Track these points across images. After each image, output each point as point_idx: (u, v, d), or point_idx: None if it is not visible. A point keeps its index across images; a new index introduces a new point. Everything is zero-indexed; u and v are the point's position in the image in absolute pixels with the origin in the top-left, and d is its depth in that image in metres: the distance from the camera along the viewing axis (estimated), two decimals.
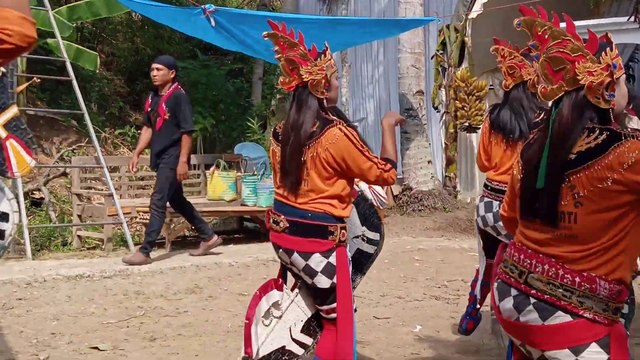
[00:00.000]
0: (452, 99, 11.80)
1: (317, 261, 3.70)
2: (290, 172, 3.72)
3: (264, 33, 3.81)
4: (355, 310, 3.91)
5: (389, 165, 3.74)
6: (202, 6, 9.48)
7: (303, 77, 3.73)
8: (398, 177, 12.77)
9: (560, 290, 2.43)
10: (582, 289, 2.41)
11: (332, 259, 3.71)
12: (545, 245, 2.51)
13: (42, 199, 11.16)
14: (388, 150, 3.85)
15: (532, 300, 2.48)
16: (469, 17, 11.80)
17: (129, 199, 10.96)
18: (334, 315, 3.79)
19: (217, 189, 10.04)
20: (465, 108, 11.49)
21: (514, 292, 2.55)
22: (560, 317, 2.43)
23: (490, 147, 4.75)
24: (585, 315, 2.41)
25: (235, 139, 13.33)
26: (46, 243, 9.70)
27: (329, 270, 3.71)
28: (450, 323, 5.79)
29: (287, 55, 3.75)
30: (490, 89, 11.73)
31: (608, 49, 2.51)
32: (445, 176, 12.42)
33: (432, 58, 12.41)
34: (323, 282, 3.72)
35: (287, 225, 3.73)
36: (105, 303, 6.46)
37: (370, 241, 4.22)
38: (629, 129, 2.60)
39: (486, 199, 4.71)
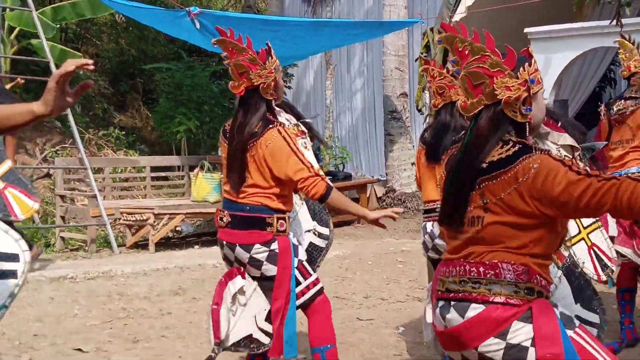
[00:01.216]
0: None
1: (259, 251, 3.83)
2: (234, 169, 3.87)
3: (213, 40, 3.93)
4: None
5: (319, 178, 3.79)
6: (187, 8, 9.48)
7: (253, 80, 3.84)
8: (382, 179, 12.87)
9: (470, 284, 2.53)
10: (488, 276, 2.50)
11: (274, 246, 3.85)
12: (458, 251, 2.61)
13: None
14: (340, 200, 3.92)
15: (453, 302, 2.58)
16: (453, 19, 11.82)
17: (112, 200, 10.94)
18: (302, 299, 3.93)
19: (201, 191, 10.04)
20: None
21: (440, 303, 2.65)
22: (475, 309, 2.51)
23: (418, 165, 4.78)
24: (496, 300, 2.49)
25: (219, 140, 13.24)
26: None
27: (273, 258, 3.84)
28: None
29: (236, 60, 3.85)
30: None
31: (527, 64, 2.58)
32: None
33: (416, 60, 12.41)
34: (271, 269, 3.85)
35: (230, 219, 3.88)
36: (89, 305, 6.44)
37: (321, 235, 4.35)
38: (558, 146, 2.70)
39: (423, 224, 4.75)
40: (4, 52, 11.38)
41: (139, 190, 11.90)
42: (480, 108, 2.59)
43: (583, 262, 3.86)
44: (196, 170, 10.23)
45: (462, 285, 2.55)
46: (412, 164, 12.35)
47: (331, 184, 3.87)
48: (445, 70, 4.66)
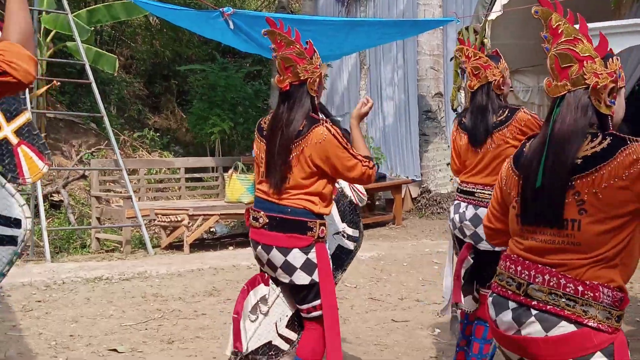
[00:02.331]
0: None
1: (296, 256, 3.69)
2: (275, 169, 3.72)
3: (263, 31, 3.81)
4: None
5: (372, 163, 3.75)
6: (221, 9, 9.49)
7: (300, 75, 3.73)
8: (417, 179, 12.79)
9: (564, 299, 2.38)
10: (586, 297, 2.36)
11: (312, 255, 3.70)
12: (546, 255, 2.45)
13: (61, 201, 11.22)
14: (361, 148, 3.84)
15: (534, 311, 2.42)
16: (489, 18, 11.72)
17: (147, 201, 11.00)
18: (315, 313, 3.78)
19: (235, 192, 10.04)
20: None
21: (512, 304, 2.49)
22: (564, 327, 2.37)
23: (460, 150, 4.72)
24: (589, 324, 2.35)
25: (253, 141, 13.23)
26: (65, 245, 9.74)
27: (308, 266, 3.70)
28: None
29: (283, 53, 3.74)
30: (510, 91, 11.65)
31: (615, 57, 2.50)
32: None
33: (451, 60, 12.34)
34: (302, 278, 3.71)
35: (267, 221, 3.73)
36: (124, 305, 6.46)
37: (350, 237, 4.28)
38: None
39: (456, 202, 4.67)
40: (40, 55, 11.49)
41: (173, 191, 11.95)
42: (563, 93, 2.50)
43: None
44: (230, 171, 10.24)
45: (553, 299, 2.39)
46: (447, 164, 12.26)
47: (367, 155, 3.79)
48: (479, 50, 4.62)
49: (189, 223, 9.36)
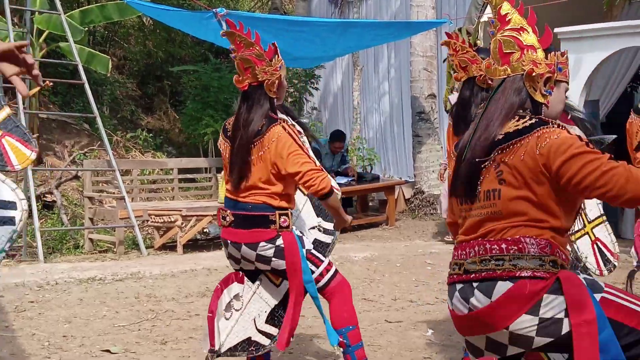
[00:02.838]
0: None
1: (265, 248, 3.81)
2: (236, 168, 3.84)
3: (222, 32, 3.96)
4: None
5: (325, 173, 3.80)
6: (214, 10, 9.49)
7: (258, 76, 3.81)
8: (410, 180, 12.81)
9: (493, 262, 2.48)
10: (511, 252, 2.46)
11: (279, 242, 3.82)
12: (476, 228, 2.57)
13: (54, 202, 11.19)
14: (341, 209, 3.96)
15: (475, 284, 2.52)
16: (481, 20, 11.75)
17: (140, 202, 10.98)
18: (321, 283, 3.92)
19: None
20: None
21: (458, 286, 2.60)
22: (502, 286, 2.46)
23: (449, 141, 4.82)
24: (523, 274, 2.44)
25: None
26: (58, 246, 9.72)
27: (280, 253, 3.82)
28: None
29: (242, 54, 3.83)
30: None
31: (559, 53, 2.63)
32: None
33: (444, 61, 12.36)
34: (281, 264, 3.84)
35: (232, 219, 3.86)
36: (117, 306, 6.46)
37: (326, 231, 4.32)
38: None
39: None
40: (33, 55, 11.47)
41: (166, 192, 11.94)
42: (503, 77, 2.62)
43: (586, 257, 3.84)
44: (223, 171, 10.22)
45: (484, 265, 2.50)
46: (440, 164, 12.30)
47: (334, 189, 3.85)
48: (467, 45, 4.66)
49: (182, 224, 9.35)
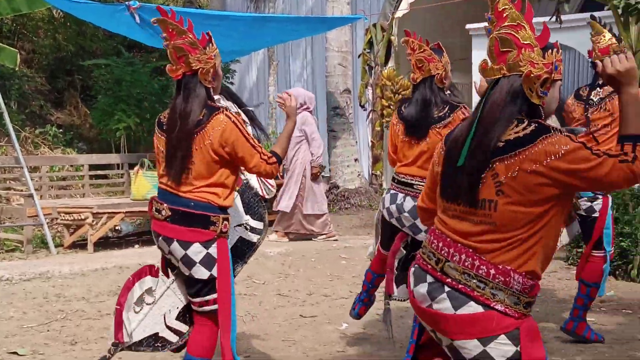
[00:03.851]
0: (379, 98, 11.88)
1: (196, 251, 3.69)
2: (175, 160, 3.71)
3: (153, 19, 3.81)
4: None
5: (273, 159, 3.78)
6: (126, 2, 9.29)
7: (192, 65, 3.71)
8: (325, 175, 12.85)
9: (475, 280, 2.45)
10: (496, 281, 2.43)
11: (212, 249, 3.71)
12: (465, 235, 2.51)
13: None
14: (282, 145, 3.89)
15: (447, 288, 2.49)
16: (396, 16, 11.89)
17: (49, 199, 10.69)
18: (206, 308, 3.79)
19: (141, 189, 9.86)
20: (391, 106, 11.58)
21: (429, 278, 2.56)
22: (472, 307, 2.44)
23: (397, 140, 4.79)
24: (496, 307, 2.43)
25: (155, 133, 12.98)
26: None
27: (207, 261, 3.71)
28: (376, 320, 5.80)
29: (175, 42, 3.73)
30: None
31: (555, 50, 2.55)
32: (372, 174, 12.50)
33: (359, 57, 12.47)
34: (201, 273, 3.71)
35: (170, 213, 3.71)
36: (25, 306, 6.26)
37: (253, 230, 4.25)
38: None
39: (392, 191, 4.74)
40: None
41: (77, 189, 11.67)
42: (498, 77, 2.54)
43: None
44: (136, 168, 10.06)
45: (465, 278, 2.46)
46: (356, 160, 12.39)
47: (276, 152, 3.81)
48: (424, 43, 4.65)
49: (93, 221, 9.14)
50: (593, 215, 5.13)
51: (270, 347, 5.31)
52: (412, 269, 2.66)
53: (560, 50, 2.59)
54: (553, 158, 2.37)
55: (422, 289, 2.57)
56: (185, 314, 3.95)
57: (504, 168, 2.43)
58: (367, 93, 12.18)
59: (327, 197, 12.33)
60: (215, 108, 3.72)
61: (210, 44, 3.78)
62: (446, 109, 4.54)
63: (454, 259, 2.50)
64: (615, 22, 7.88)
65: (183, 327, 3.92)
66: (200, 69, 3.72)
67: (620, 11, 7.74)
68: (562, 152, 2.37)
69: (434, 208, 2.76)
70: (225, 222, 3.75)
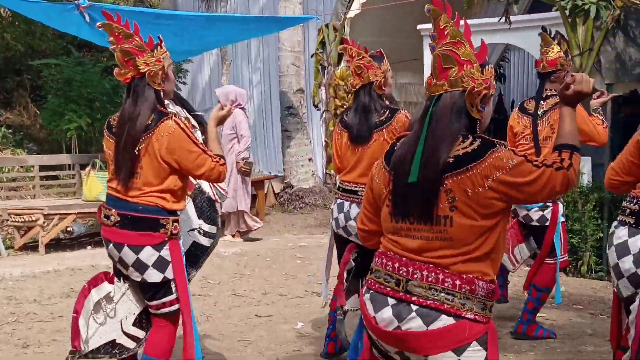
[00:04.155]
0: (332, 97, 11.90)
1: (148, 254, 3.69)
2: (123, 165, 3.69)
3: (98, 24, 3.79)
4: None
5: (223, 160, 3.79)
6: (76, 1, 9.17)
7: (140, 68, 3.71)
8: (279, 174, 12.86)
9: (443, 294, 2.46)
10: (463, 290, 2.46)
11: (164, 252, 3.72)
12: (422, 251, 2.52)
13: None
14: (215, 148, 3.88)
15: (414, 307, 2.48)
16: (348, 16, 11.93)
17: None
18: (164, 310, 3.80)
19: (93, 190, 9.76)
20: (344, 106, 11.61)
21: (391, 301, 2.53)
22: (443, 321, 2.46)
23: (340, 148, 4.79)
24: (467, 316, 2.46)
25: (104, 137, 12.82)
26: None
27: (160, 264, 3.71)
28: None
29: (122, 46, 3.73)
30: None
31: (490, 66, 2.61)
32: (326, 173, 12.53)
33: (311, 57, 12.49)
34: (154, 276, 3.71)
35: (118, 219, 3.70)
36: None
37: (206, 234, 4.25)
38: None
39: (339, 201, 4.71)
40: None
41: (27, 190, 11.48)
42: (440, 92, 2.58)
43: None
44: (88, 168, 9.95)
45: (432, 294, 2.46)
46: (310, 159, 12.42)
47: (220, 154, 3.80)
48: (364, 50, 4.66)
49: (44, 223, 9.01)
50: (546, 224, 5.22)
51: (226, 347, 5.30)
52: (367, 295, 2.63)
53: (492, 66, 2.66)
54: (502, 172, 2.44)
55: (386, 313, 2.54)
56: (142, 320, 3.92)
57: (456, 184, 2.47)
58: (320, 93, 12.20)
59: (282, 196, 12.35)
60: (164, 113, 3.71)
61: (159, 47, 3.79)
62: (387, 113, 4.55)
63: (415, 276, 2.50)
64: (562, 23, 8.02)
65: (140, 333, 3.90)
66: (148, 71, 3.72)
67: (567, 12, 7.87)
68: (509, 166, 2.44)
69: (375, 229, 2.78)
70: (176, 223, 3.75)
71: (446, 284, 2.46)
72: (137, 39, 3.72)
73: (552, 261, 5.28)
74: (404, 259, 2.54)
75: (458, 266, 2.48)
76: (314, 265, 7.91)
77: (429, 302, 2.47)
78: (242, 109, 9.66)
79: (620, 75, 7.90)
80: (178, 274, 3.74)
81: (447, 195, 2.47)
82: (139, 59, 3.70)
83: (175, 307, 3.80)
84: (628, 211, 3.53)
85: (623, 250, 3.49)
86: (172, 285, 3.77)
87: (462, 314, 2.46)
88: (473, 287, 2.47)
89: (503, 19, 7.92)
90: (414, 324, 2.48)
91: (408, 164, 2.55)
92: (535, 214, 5.22)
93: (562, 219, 5.36)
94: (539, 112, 5.20)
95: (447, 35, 2.58)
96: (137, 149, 3.66)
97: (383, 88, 4.61)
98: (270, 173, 13.26)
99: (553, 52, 5.24)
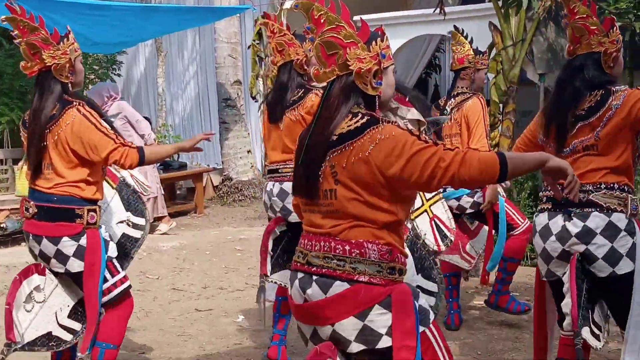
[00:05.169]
0: (270, 89, 11.86)
1: (67, 245, 3.71)
2: (32, 156, 3.74)
3: (2, 17, 3.81)
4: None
5: (132, 144, 3.76)
6: None
7: (46, 61, 3.73)
8: (218, 167, 12.78)
9: (335, 261, 2.55)
10: (353, 255, 2.54)
11: (83, 241, 3.73)
12: (318, 224, 2.63)
13: None
14: (157, 149, 4.00)
15: (314, 277, 2.59)
16: (284, 7, 11.89)
17: None
18: (104, 298, 3.80)
19: (26, 185, 9.41)
20: None
21: (299, 275, 2.66)
22: (339, 286, 2.54)
23: (265, 127, 4.81)
24: (360, 279, 2.53)
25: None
26: None
27: (81, 254, 3.72)
28: (271, 311, 5.81)
29: (27, 39, 3.75)
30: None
31: (379, 39, 2.64)
32: (265, 165, 12.49)
33: (248, 48, 12.41)
34: (76, 265, 3.74)
35: (36, 210, 3.73)
36: None
37: (135, 226, 4.25)
38: (405, 120, 2.79)
39: (267, 184, 4.75)
40: None
41: None
42: (332, 78, 2.62)
43: (425, 234, 4.00)
44: (21, 163, 9.72)
45: (326, 262, 2.56)
46: (248, 151, 12.36)
47: (141, 144, 3.81)
48: (285, 27, 4.64)
49: None
50: (481, 208, 5.27)
51: (166, 342, 5.25)
52: (290, 277, 2.74)
53: (386, 35, 2.69)
54: (373, 145, 2.49)
55: (295, 287, 2.67)
56: (77, 312, 3.90)
57: (338, 159, 2.56)
58: (258, 84, 12.14)
59: (221, 189, 12.27)
60: (68, 102, 3.73)
61: (65, 39, 3.79)
62: (300, 92, 4.55)
63: (315, 248, 2.61)
64: (496, 14, 8.15)
65: (76, 325, 3.90)
66: (54, 64, 3.73)
67: (500, 3, 7.99)
68: (384, 138, 2.48)
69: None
70: (92, 213, 3.76)
71: (337, 251, 2.56)
72: (42, 32, 3.73)
73: (515, 232, 5.29)
74: (310, 234, 2.67)
75: (346, 233, 2.56)
76: (254, 258, 7.86)
77: (324, 270, 2.57)
78: (122, 99, 9.59)
79: (552, 65, 8.07)
80: (89, 261, 3.72)
81: (331, 170, 2.57)
82: (45, 52, 3.72)
83: (114, 293, 3.82)
84: (545, 199, 3.61)
85: (546, 233, 3.55)
86: (106, 273, 3.79)
87: (354, 278, 2.53)
88: (363, 251, 2.54)
89: (438, 10, 7.99)
90: (314, 292, 2.58)
91: (301, 146, 2.68)
92: (466, 202, 5.26)
93: (502, 198, 5.35)
94: (448, 109, 5.34)
95: (325, 23, 2.62)
96: (44, 140, 3.69)
97: (304, 67, 4.58)
98: (208, 165, 13.15)
99: (463, 50, 5.39)
